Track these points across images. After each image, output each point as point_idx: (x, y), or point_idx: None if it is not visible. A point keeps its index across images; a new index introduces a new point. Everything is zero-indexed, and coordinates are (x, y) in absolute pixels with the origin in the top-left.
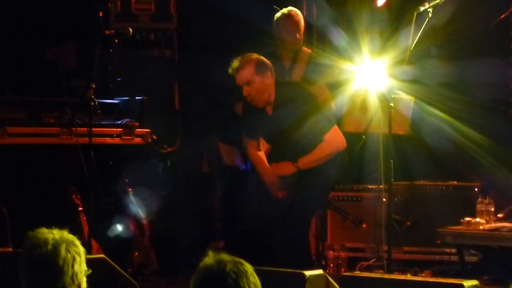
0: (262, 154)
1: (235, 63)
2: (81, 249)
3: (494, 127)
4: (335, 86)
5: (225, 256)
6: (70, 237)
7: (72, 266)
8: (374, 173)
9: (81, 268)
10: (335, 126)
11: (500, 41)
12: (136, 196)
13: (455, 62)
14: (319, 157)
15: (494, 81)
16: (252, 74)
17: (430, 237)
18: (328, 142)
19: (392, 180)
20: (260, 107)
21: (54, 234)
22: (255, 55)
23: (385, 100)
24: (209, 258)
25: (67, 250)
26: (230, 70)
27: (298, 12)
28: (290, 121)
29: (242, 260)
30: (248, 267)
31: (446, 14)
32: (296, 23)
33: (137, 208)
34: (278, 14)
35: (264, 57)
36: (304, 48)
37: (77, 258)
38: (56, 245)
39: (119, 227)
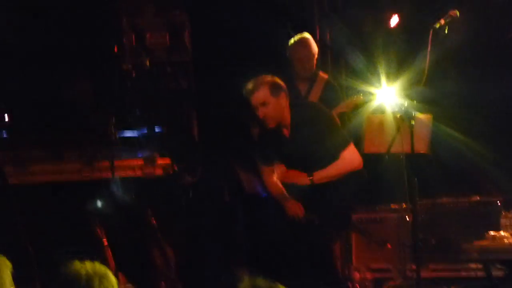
0: (277, 180)
1: (249, 85)
2: (114, 281)
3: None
4: (352, 108)
5: (260, 281)
6: (103, 269)
7: None
8: (397, 193)
9: None
10: (352, 145)
11: None
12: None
13: (472, 82)
14: (333, 173)
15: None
16: (267, 95)
17: (456, 254)
18: (344, 159)
19: (417, 198)
20: (272, 127)
21: (86, 267)
22: (269, 77)
23: (406, 119)
24: (246, 283)
25: (101, 283)
26: (244, 93)
27: (310, 38)
28: (308, 142)
29: (278, 284)
30: None
31: (461, 33)
32: (309, 49)
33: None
34: (291, 41)
35: (281, 81)
36: (321, 73)
37: None
38: (89, 279)
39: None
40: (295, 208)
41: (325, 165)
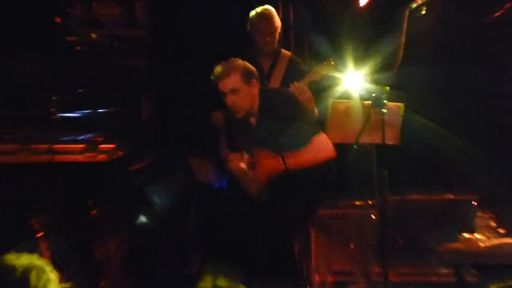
0: (244, 167)
1: (219, 69)
2: (53, 275)
3: (485, 135)
4: (316, 93)
5: (222, 281)
6: (41, 262)
7: None
8: (363, 188)
9: None
10: (323, 133)
11: (488, 44)
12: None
13: (442, 67)
14: (306, 158)
15: (483, 86)
16: (238, 81)
17: (426, 257)
18: (316, 145)
19: (387, 193)
20: (240, 117)
21: (22, 260)
22: (241, 61)
23: (377, 107)
24: (207, 283)
25: (38, 277)
26: (212, 77)
27: (273, 10)
28: (275, 130)
29: (239, 285)
30: None
31: (436, 15)
32: (272, 22)
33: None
34: (252, 13)
35: (252, 67)
36: (284, 51)
37: (49, 286)
38: (26, 272)
39: None
40: (254, 183)
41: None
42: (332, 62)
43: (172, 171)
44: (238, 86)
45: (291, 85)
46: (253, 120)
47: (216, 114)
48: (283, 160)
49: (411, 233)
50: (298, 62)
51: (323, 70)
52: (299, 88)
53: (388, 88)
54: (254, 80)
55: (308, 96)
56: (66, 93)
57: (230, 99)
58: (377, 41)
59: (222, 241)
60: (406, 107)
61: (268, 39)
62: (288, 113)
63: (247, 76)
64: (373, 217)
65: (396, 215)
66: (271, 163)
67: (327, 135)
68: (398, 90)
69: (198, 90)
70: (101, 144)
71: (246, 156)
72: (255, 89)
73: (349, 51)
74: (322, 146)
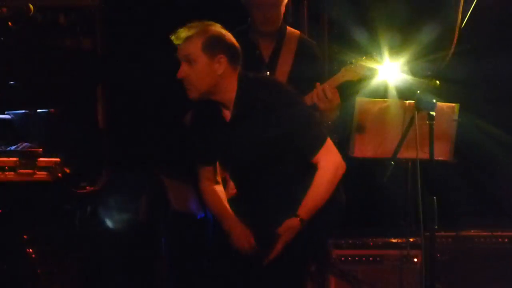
0: (220, 190)
1: (183, 31)
2: None
3: None
4: (340, 89)
5: None
6: None
7: None
8: (401, 221)
9: None
10: (329, 140)
11: None
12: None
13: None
14: (322, 194)
15: None
16: (197, 49)
17: None
18: (325, 164)
19: (436, 227)
20: (193, 98)
21: None
22: (217, 26)
23: (423, 110)
24: None
25: None
26: (174, 40)
27: None
28: (261, 132)
29: None
30: None
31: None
32: None
33: None
34: None
35: (233, 39)
36: (290, 29)
37: None
38: None
39: None
40: (242, 238)
41: (292, 177)
42: (375, 58)
43: (135, 195)
44: (194, 54)
45: (317, 86)
46: (226, 113)
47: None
48: (297, 217)
49: (467, 283)
50: (311, 45)
51: (363, 68)
52: (326, 92)
53: (438, 82)
54: (224, 58)
55: (336, 104)
56: None
57: (181, 70)
58: (424, 20)
59: None
60: (461, 108)
61: (268, 15)
62: (283, 113)
63: (212, 46)
64: (416, 260)
65: (447, 259)
66: (289, 229)
67: (352, 147)
68: (451, 85)
69: (170, 82)
70: (40, 156)
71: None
72: (221, 69)
73: (385, 32)
74: (330, 161)
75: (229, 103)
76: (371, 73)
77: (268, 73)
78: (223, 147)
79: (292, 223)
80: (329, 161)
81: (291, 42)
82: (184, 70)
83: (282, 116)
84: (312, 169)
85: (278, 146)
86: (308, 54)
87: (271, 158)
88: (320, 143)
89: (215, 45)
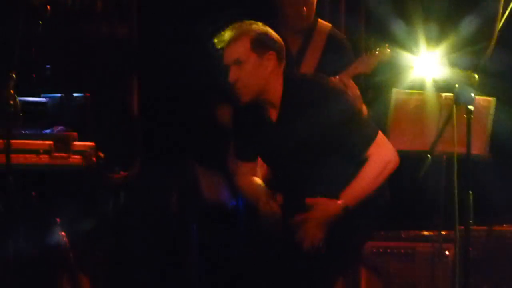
0: (259, 182)
1: (224, 34)
2: None
3: None
4: (375, 84)
5: None
6: None
7: None
8: (436, 212)
9: None
10: (380, 133)
11: None
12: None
13: None
14: (369, 184)
15: None
16: (246, 49)
17: None
18: (376, 158)
19: (471, 221)
20: (246, 102)
21: None
22: (256, 24)
23: (462, 103)
24: None
25: None
26: (217, 43)
27: None
28: (309, 132)
29: None
30: None
31: None
32: None
33: None
34: None
35: (274, 33)
36: (321, 22)
37: None
38: None
39: None
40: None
41: (341, 174)
42: (388, 50)
43: (167, 183)
44: (244, 55)
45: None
46: (273, 112)
47: (224, 108)
48: (339, 200)
49: (501, 280)
50: (341, 40)
51: (375, 59)
52: (341, 83)
53: (477, 77)
54: (273, 53)
55: (353, 95)
56: (29, 72)
57: (232, 74)
58: (464, 11)
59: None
60: (498, 102)
61: (301, 10)
62: (330, 109)
63: (260, 44)
64: (448, 253)
65: (482, 253)
66: (324, 209)
67: (388, 137)
68: (488, 78)
69: (202, 74)
70: (75, 140)
71: (263, 168)
72: (272, 65)
73: (422, 24)
74: (382, 154)
75: (276, 102)
76: (384, 65)
77: (295, 68)
78: (268, 146)
79: (331, 203)
80: (380, 154)
81: (321, 37)
82: (235, 73)
83: (330, 114)
84: (359, 168)
85: (326, 145)
86: (337, 48)
87: (318, 157)
88: (371, 138)
89: (263, 42)
